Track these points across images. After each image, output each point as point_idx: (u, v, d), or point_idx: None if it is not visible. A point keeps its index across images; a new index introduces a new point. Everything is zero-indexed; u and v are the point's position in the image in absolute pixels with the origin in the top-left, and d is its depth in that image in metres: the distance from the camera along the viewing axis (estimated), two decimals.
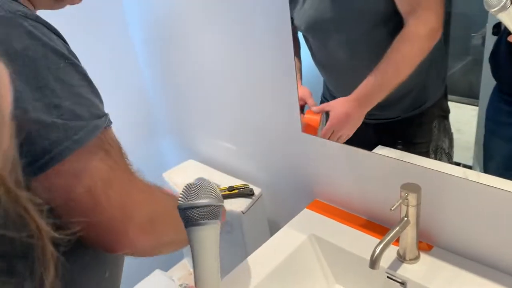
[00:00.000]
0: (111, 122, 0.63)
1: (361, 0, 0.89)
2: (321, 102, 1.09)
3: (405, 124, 0.97)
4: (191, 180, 1.41)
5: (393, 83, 0.88)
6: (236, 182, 1.40)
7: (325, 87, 1.07)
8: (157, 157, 1.79)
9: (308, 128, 1.11)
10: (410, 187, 0.91)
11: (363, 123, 1.00)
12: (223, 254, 1.47)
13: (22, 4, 0.59)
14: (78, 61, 0.62)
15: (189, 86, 1.51)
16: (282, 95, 1.18)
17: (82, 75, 0.60)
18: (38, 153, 0.53)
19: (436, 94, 0.91)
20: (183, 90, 1.54)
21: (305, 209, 1.22)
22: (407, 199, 0.90)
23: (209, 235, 0.52)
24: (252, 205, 1.33)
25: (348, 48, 0.96)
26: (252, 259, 1.08)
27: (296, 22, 1.02)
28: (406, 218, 0.92)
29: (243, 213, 1.30)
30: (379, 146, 1.00)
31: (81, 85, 0.59)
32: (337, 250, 1.07)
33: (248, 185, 1.38)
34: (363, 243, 1.05)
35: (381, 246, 0.86)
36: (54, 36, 0.59)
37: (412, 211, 0.91)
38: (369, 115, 0.97)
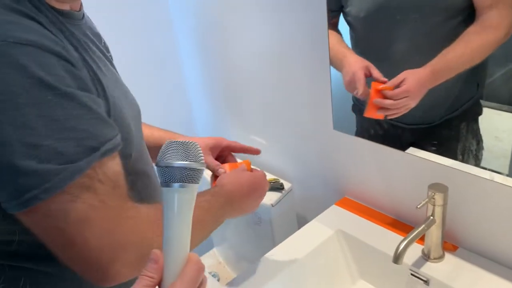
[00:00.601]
0: (114, 149, 0.61)
1: None
2: (354, 104, 1.12)
3: (437, 126, 0.98)
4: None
5: (464, 67, 0.89)
6: (268, 176, 1.44)
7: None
8: None
9: (372, 107, 1.04)
10: (437, 187, 0.93)
11: (398, 126, 1.03)
12: (251, 244, 1.52)
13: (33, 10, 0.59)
14: (95, 78, 0.62)
15: (225, 81, 1.56)
16: (315, 91, 1.21)
17: (79, 104, 0.58)
18: (5, 197, 0.54)
19: (471, 98, 0.92)
20: (219, 86, 1.60)
21: (334, 205, 1.25)
22: (433, 199, 0.92)
23: (182, 199, 0.47)
24: (282, 198, 1.37)
25: (413, 39, 0.96)
26: (278, 249, 1.12)
27: (353, 9, 1.02)
28: (432, 217, 0.94)
29: (272, 206, 1.34)
30: (408, 146, 1.02)
31: (74, 117, 0.57)
32: (363, 246, 1.09)
33: (278, 179, 1.42)
34: (389, 240, 1.07)
35: (405, 242, 0.88)
36: (52, 60, 0.56)
37: (438, 211, 0.93)
38: (405, 121, 0.99)
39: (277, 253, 1.11)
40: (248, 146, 1.08)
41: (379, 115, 1.00)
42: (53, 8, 0.65)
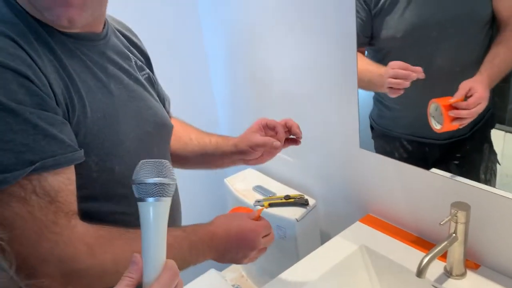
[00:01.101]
0: (56, 166, 0.65)
1: (469, 4, 0.95)
2: (375, 122, 1.16)
3: (461, 144, 1.02)
4: (250, 187, 1.50)
5: (508, 70, 0.92)
6: (292, 192, 1.49)
7: (385, 104, 1.13)
8: None
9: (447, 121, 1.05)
10: (460, 205, 0.96)
11: (425, 144, 1.07)
12: (274, 259, 1.55)
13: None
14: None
15: (253, 98, 1.62)
16: (343, 110, 1.26)
17: (24, 120, 0.63)
18: None
19: (493, 114, 0.96)
20: (247, 100, 1.66)
21: (358, 222, 1.29)
22: (456, 216, 0.95)
23: (156, 211, 0.53)
24: (307, 214, 1.41)
25: (450, 53, 1.00)
26: (302, 264, 1.16)
27: (388, 32, 1.07)
28: (454, 235, 0.97)
29: (297, 221, 1.38)
30: (437, 163, 1.06)
31: (15, 131, 0.62)
32: (387, 261, 1.12)
33: (303, 195, 1.46)
34: (412, 256, 1.10)
35: (429, 256, 0.91)
36: (8, 75, 0.62)
37: (460, 228, 0.96)
38: (438, 136, 1.03)
39: (300, 267, 1.15)
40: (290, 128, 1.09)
41: (454, 126, 1.02)
42: (61, 32, 0.74)
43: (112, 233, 0.73)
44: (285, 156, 1.57)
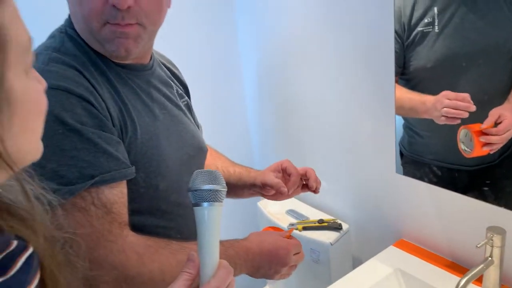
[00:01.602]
0: (112, 180, 0.73)
1: (496, 36, 0.99)
2: (405, 149, 1.20)
3: (490, 171, 1.05)
4: (283, 211, 1.54)
5: None
6: (326, 216, 1.53)
7: (415, 131, 1.18)
8: None
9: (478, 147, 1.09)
10: (496, 229, 0.99)
11: (454, 170, 1.10)
12: (307, 282, 1.57)
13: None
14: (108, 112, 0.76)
15: (289, 124, 1.68)
16: (380, 137, 1.31)
17: (87, 139, 0.72)
18: None
19: None
20: (280, 125, 1.72)
21: (391, 246, 1.31)
22: (492, 240, 0.98)
23: (211, 214, 0.59)
24: (340, 238, 1.44)
25: (478, 82, 1.04)
26: (336, 287, 1.18)
27: (420, 61, 1.12)
28: (490, 258, 0.99)
29: (331, 245, 1.41)
30: (467, 189, 1.09)
31: (79, 148, 0.70)
32: (422, 285, 1.14)
33: (337, 220, 1.49)
34: (447, 280, 1.12)
35: (465, 278, 0.94)
36: (73, 100, 0.72)
37: (496, 252, 0.99)
38: (468, 163, 1.07)
39: None
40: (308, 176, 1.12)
41: (484, 151, 1.05)
42: (114, 61, 0.84)
43: (159, 243, 0.79)
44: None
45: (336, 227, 1.46)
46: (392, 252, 1.29)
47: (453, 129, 1.07)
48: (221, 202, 0.61)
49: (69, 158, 0.70)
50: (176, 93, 0.99)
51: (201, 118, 1.12)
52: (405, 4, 1.11)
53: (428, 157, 1.18)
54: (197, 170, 0.63)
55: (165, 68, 1.02)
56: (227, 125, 1.83)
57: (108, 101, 0.79)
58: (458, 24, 1.04)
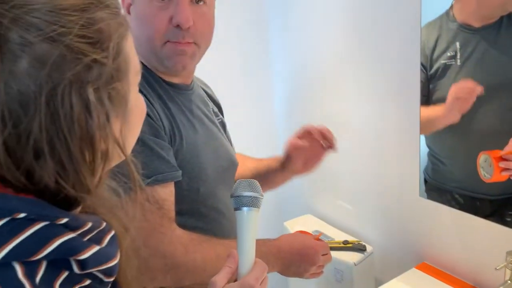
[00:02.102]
0: (164, 180, 0.84)
1: None
2: (429, 176, 1.25)
3: None
4: (308, 231, 1.60)
5: None
6: (350, 238, 1.58)
7: (439, 159, 1.23)
8: (279, 205, 2.02)
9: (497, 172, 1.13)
10: None
11: (477, 198, 1.15)
12: None
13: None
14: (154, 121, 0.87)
15: None
16: (404, 160, 1.37)
17: (144, 145, 0.82)
18: None
19: None
20: None
21: (413, 269, 1.36)
22: (511, 264, 1.02)
23: (249, 217, 0.68)
24: (364, 259, 1.49)
25: (499, 113, 1.10)
26: None
27: (441, 92, 1.17)
28: (509, 281, 1.03)
29: (355, 265, 1.46)
30: (488, 214, 1.13)
31: (138, 152, 0.78)
32: None
33: (361, 241, 1.55)
34: None
35: None
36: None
37: None
38: (491, 192, 1.12)
39: None
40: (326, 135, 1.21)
41: (503, 177, 1.10)
42: (164, 81, 0.97)
43: (201, 237, 0.90)
44: (346, 205, 1.68)
45: (360, 249, 1.51)
46: (414, 274, 1.33)
47: (474, 156, 1.13)
48: (259, 208, 0.69)
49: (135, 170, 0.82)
50: (212, 111, 1.11)
51: (233, 134, 1.22)
52: (429, 38, 1.19)
53: (451, 184, 1.23)
54: (239, 179, 0.72)
55: (202, 89, 1.14)
56: (257, 142, 1.91)
57: (160, 114, 0.91)
58: (479, 58, 1.11)
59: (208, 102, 1.12)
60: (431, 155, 1.27)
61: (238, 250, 0.67)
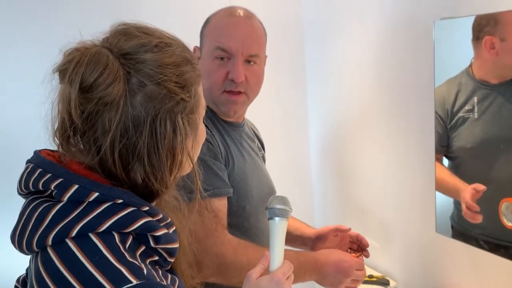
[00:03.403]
0: (219, 194, 1.02)
1: None
2: (455, 222, 1.34)
3: None
4: None
5: None
6: (375, 273, 1.68)
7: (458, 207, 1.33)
8: None
9: None
10: None
11: (500, 245, 1.24)
12: None
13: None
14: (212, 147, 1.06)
15: (344, 184, 1.87)
16: (422, 203, 1.48)
17: (205, 165, 1.00)
18: None
19: None
20: (340, 188, 1.91)
21: None
22: None
23: (279, 226, 0.82)
24: None
25: None
26: None
27: (461, 142, 1.30)
28: None
29: None
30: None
31: (202, 170, 0.94)
32: None
33: (385, 276, 1.64)
34: None
35: None
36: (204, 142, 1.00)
37: None
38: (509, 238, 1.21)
39: None
40: (363, 242, 1.31)
41: None
42: (222, 119, 1.17)
43: (247, 243, 1.08)
44: (374, 242, 1.77)
45: (384, 283, 1.61)
46: None
47: (496, 204, 1.21)
48: (287, 218, 0.84)
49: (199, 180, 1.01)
50: (257, 147, 1.30)
51: (269, 170, 1.36)
52: (449, 93, 1.31)
53: (475, 231, 1.30)
54: (273, 195, 0.88)
55: (249, 127, 1.34)
56: (292, 180, 2.05)
57: (218, 142, 1.11)
58: (495, 112, 1.21)
59: (254, 139, 1.31)
60: (456, 201, 1.35)
61: (270, 251, 0.82)
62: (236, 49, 1.10)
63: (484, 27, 1.20)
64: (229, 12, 1.16)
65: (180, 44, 0.70)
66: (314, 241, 1.32)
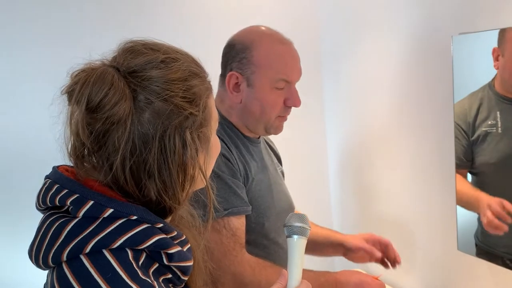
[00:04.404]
0: (238, 213, 1.01)
1: None
2: (479, 240, 1.30)
3: None
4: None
5: None
6: None
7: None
8: (330, 259, 2.09)
9: None
10: None
11: None
12: None
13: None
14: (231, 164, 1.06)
15: (364, 203, 1.84)
16: (442, 220, 1.45)
17: (224, 183, 1.01)
18: None
19: None
20: (359, 207, 1.88)
21: None
22: None
23: (298, 244, 0.79)
24: None
25: None
26: None
27: (484, 157, 1.27)
28: None
29: None
30: None
31: (219, 188, 0.95)
32: None
33: None
34: None
35: None
36: (221, 159, 0.99)
37: None
38: None
39: None
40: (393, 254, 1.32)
41: None
42: (243, 134, 1.18)
43: (266, 263, 1.07)
44: None
45: None
46: None
47: None
48: (306, 237, 0.81)
49: (217, 196, 0.99)
50: (275, 161, 1.30)
51: (288, 186, 1.35)
52: (472, 106, 1.28)
53: (500, 249, 1.26)
54: (292, 213, 0.86)
55: (267, 143, 1.34)
56: (311, 196, 2.03)
57: (237, 159, 1.11)
58: None
59: (272, 154, 1.31)
60: (480, 219, 1.31)
61: (288, 270, 0.79)
62: (297, 79, 1.16)
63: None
64: (276, 39, 1.16)
65: (188, 58, 0.70)
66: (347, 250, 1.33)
